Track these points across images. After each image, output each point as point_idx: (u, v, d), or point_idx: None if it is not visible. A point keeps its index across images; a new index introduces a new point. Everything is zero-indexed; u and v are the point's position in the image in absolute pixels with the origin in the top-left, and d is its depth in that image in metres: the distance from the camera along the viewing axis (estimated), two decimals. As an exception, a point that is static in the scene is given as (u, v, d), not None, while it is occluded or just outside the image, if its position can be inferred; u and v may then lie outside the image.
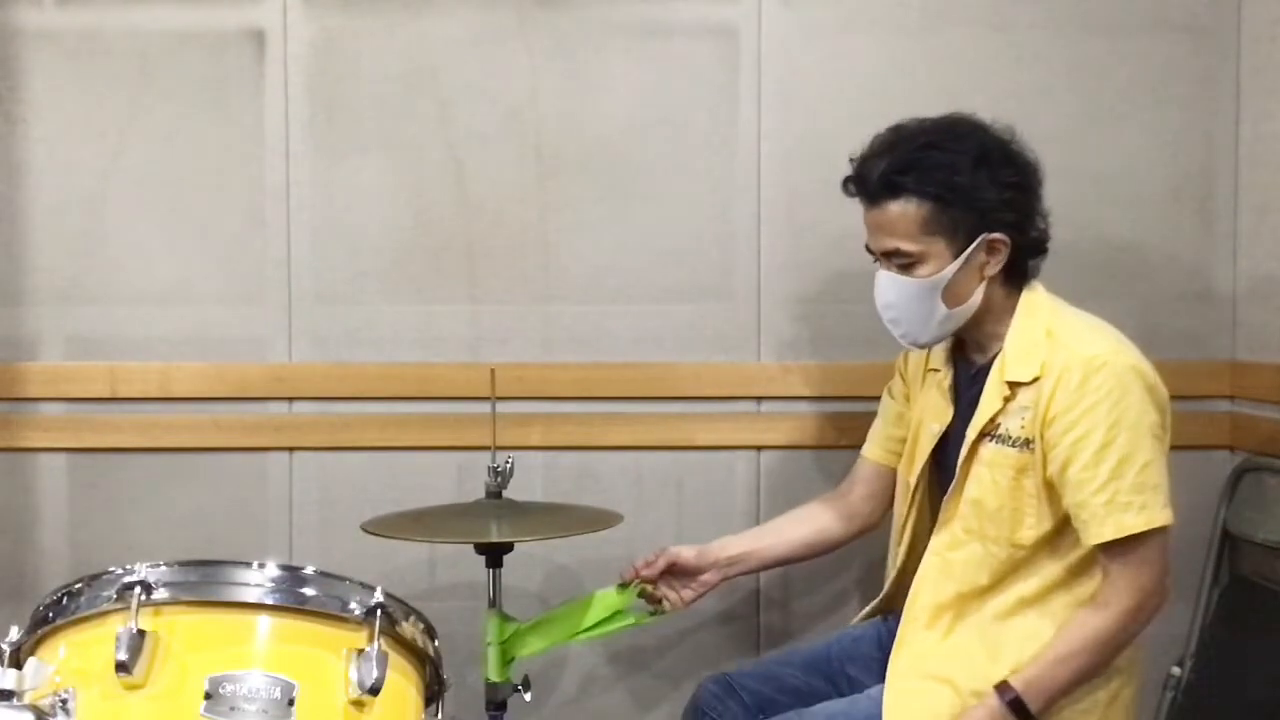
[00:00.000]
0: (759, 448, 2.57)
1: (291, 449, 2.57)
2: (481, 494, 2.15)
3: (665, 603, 2.17)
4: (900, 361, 2.22)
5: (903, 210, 1.93)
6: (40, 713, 1.59)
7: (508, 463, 2.14)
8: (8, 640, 1.71)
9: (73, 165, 2.54)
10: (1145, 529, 1.85)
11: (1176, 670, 2.44)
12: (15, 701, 1.61)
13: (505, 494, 2.14)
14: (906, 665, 1.97)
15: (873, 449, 2.23)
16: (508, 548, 2.10)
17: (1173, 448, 2.50)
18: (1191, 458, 2.54)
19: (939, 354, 2.11)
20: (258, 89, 2.53)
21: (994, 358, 1.98)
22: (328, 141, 2.54)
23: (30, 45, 2.53)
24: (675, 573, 2.18)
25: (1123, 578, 1.87)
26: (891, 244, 1.95)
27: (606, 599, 2.15)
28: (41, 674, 1.67)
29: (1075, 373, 1.87)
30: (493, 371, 2.18)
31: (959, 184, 1.92)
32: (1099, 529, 1.85)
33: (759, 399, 2.57)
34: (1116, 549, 1.86)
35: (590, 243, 2.55)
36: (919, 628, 1.99)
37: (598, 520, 2.14)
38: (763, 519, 2.55)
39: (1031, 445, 1.91)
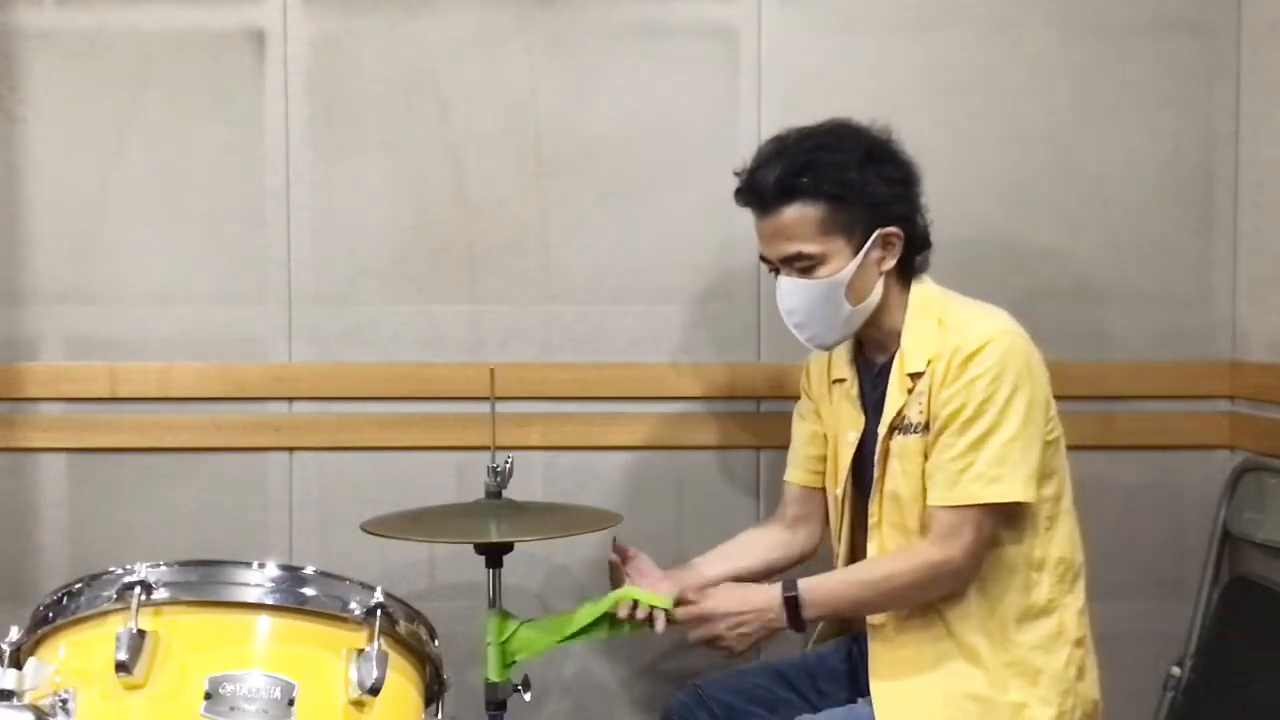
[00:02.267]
0: (759, 448, 2.57)
1: (291, 449, 2.57)
2: (481, 494, 2.15)
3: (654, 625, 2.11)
4: (803, 380, 2.25)
5: (800, 213, 1.97)
6: (40, 713, 1.59)
7: (507, 463, 2.14)
8: (8, 640, 1.71)
9: (73, 165, 2.54)
10: (993, 501, 1.90)
11: (1176, 670, 2.44)
12: (15, 701, 1.61)
13: (505, 494, 2.14)
14: (887, 677, 1.98)
15: (794, 472, 2.24)
16: (507, 548, 2.10)
17: (1172, 448, 2.53)
18: (1191, 458, 2.55)
19: (842, 363, 2.14)
20: (258, 89, 2.54)
21: (894, 355, 2.02)
22: (328, 141, 2.54)
23: (30, 45, 2.53)
24: (640, 574, 2.12)
25: (943, 545, 1.92)
26: (792, 248, 1.98)
27: (601, 604, 2.12)
28: (41, 674, 1.67)
29: (962, 352, 1.92)
30: (492, 371, 2.18)
31: (851, 180, 1.96)
32: (947, 492, 1.91)
33: (759, 399, 2.57)
34: (954, 514, 1.91)
35: (590, 243, 2.55)
36: (887, 634, 2.00)
37: (598, 520, 2.14)
38: (763, 519, 2.55)
39: (929, 427, 1.95)
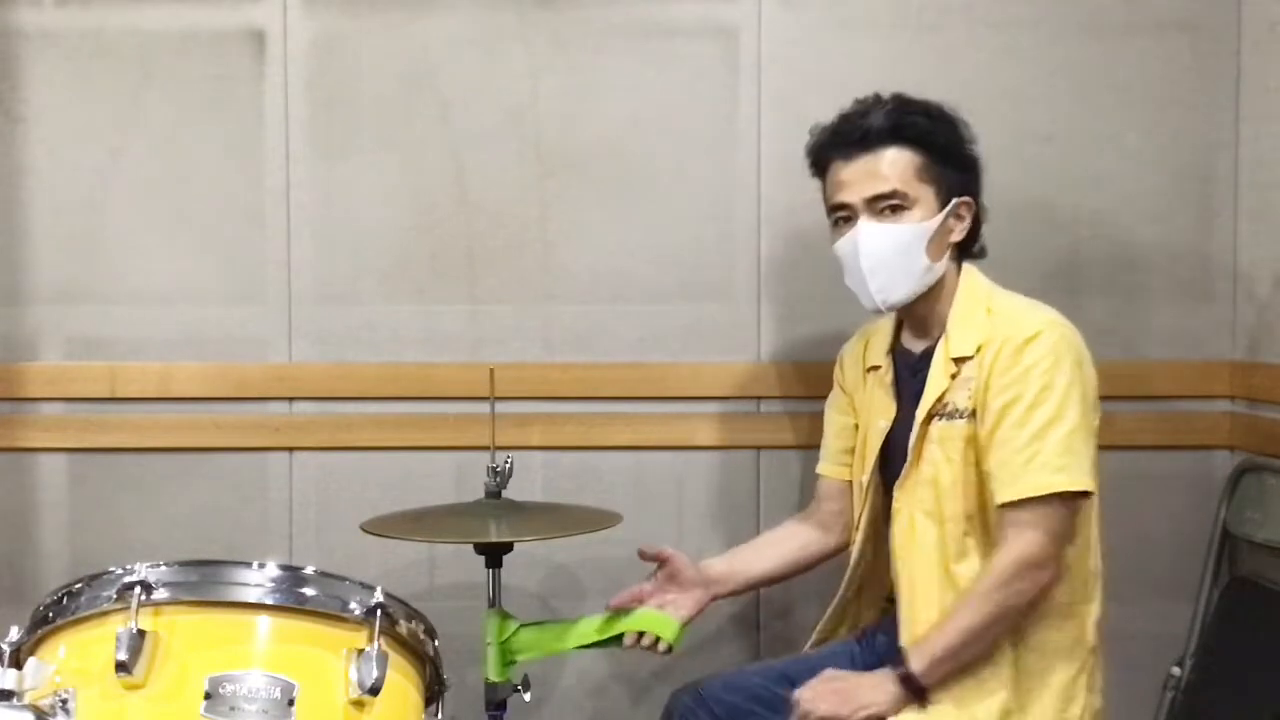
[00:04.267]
0: (759, 448, 2.57)
1: (291, 449, 2.57)
2: (481, 494, 2.15)
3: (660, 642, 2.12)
4: (837, 371, 2.25)
5: (899, 154, 2.00)
6: (40, 713, 1.59)
7: (507, 463, 2.14)
8: (8, 640, 1.71)
9: (73, 165, 2.54)
10: (1064, 489, 1.87)
11: (1176, 670, 2.44)
12: (15, 701, 1.61)
13: (505, 494, 2.14)
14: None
15: (826, 466, 2.24)
16: (507, 548, 2.10)
17: (1172, 448, 2.53)
18: (1191, 458, 2.55)
19: (878, 349, 2.14)
20: (258, 89, 2.54)
21: (936, 341, 2.02)
22: (328, 141, 2.54)
23: (30, 45, 2.53)
24: (672, 579, 2.14)
25: (1020, 540, 1.88)
26: (887, 186, 1.99)
27: (613, 624, 2.12)
28: (41, 674, 1.67)
29: (1015, 340, 1.92)
30: (492, 371, 2.18)
31: (951, 139, 2.02)
32: (1014, 486, 1.88)
33: (759, 399, 2.57)
34: (1024, 508, 1.88)
35: (590, 243, 2.55)
36: (919, 630, 1.97)
37: (598, 520, 2.14)
38: (762, 519, 2.55)
39: (976, 415, 1.94)
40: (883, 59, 2.53)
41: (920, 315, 2.06)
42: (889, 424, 2.07)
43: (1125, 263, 2.54)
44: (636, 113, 2.54)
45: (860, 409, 2.17)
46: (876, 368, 2.13)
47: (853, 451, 2.19)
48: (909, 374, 2.07)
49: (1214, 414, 2.55)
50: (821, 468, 2.25)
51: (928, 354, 2.03)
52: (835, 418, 2.24)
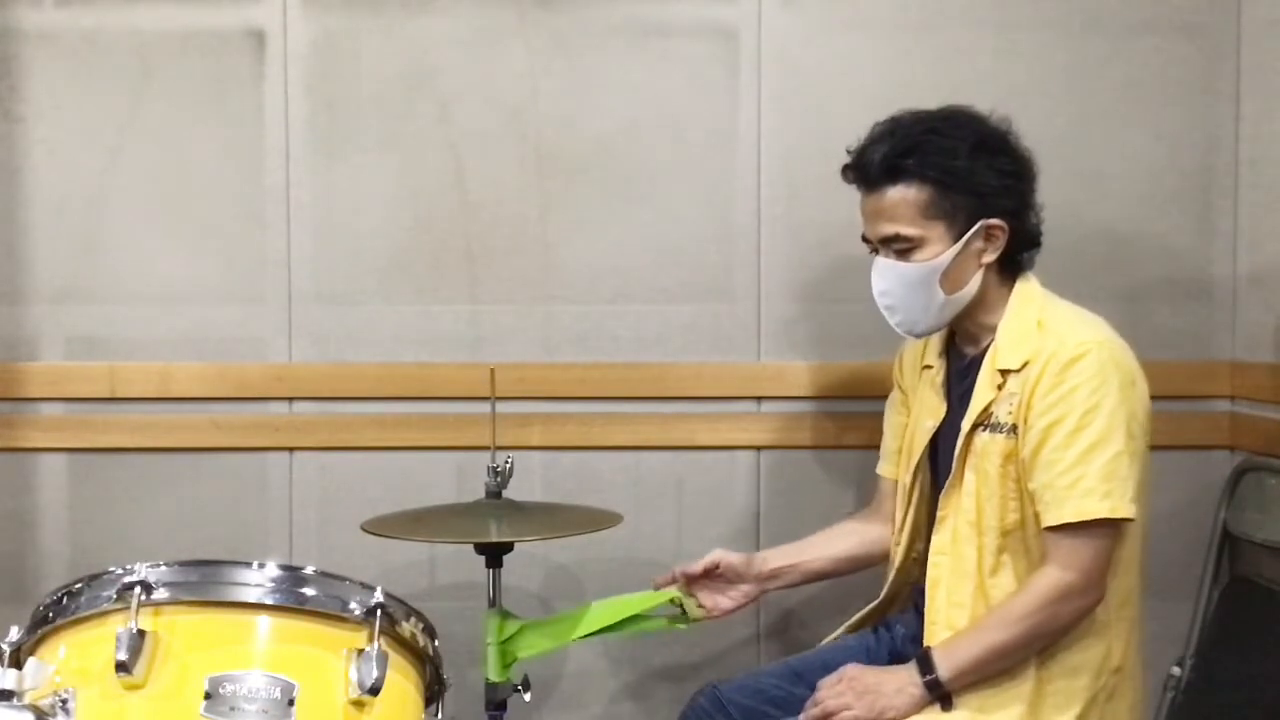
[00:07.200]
0: (759, 448, 2.57)
1: (291, 449, 2.57)
2: (481, 494, 2.16)
3: (698, 609, 2.16)
4: (896, 370, 2.23)
5: (902, 195, 1.94)
6: (40, 713, 1.59)
7: (507, 463, 2.14)
8: (8, 640, 1.71)
9: (73, 165, 2.54)
10: (1105, 516, 1.85)
11: (1176, 670, 2.44)
12: (15, 701, 1.61)
13: (505, 494, 2.14)
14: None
15: (886, 466, 2.23)
16: (507, 547, 2.11)
17: (1172, 448, 2.53)
18: (1191, 458, 2.55)
19: (933, 349, 2.12)
20: (258, 89, 2.54)
21: (985, 349, 1.99)
22: (328, 141, 2.54)
23: (30, 45, 2.53)
24: (716, 577, 2.17)
25: (1062, 565, 1.86)
26: (891, 229, 1.95)
27: (632, 602, 2.14)
28: (41, 674, 1.67)
29: (1060, 358, 1.88)
30: (492, 371, 2.18)
31: (958, 168, 1.94)
32: (1059, 510, 1.86)
33: (759, 399, 2.57)
34: (1067, 532, 1.86)
35: (590, 243, 2.55)
36: (942, 636, 1.96)
37: (597, 520, 2.14)
38: (763, 519, 2.55)
39: (1017, 430, 1.92)
40: (883, 59, 2.53)
41: (966, 328, 2.04)
42: (936, 424, 2.05)
43: (1125, 263, 2.54)
44: (636, 112, 2.54)
45: (913, 407, 2.16)
46: (930, 367, 2.11)
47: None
48: (958, 377, 2.05)
49: (1214, 414, 2.55)
50: (881, 468, 2.24)
51: (976, 361, 2.00)
52: (893, 418, 2.22)
